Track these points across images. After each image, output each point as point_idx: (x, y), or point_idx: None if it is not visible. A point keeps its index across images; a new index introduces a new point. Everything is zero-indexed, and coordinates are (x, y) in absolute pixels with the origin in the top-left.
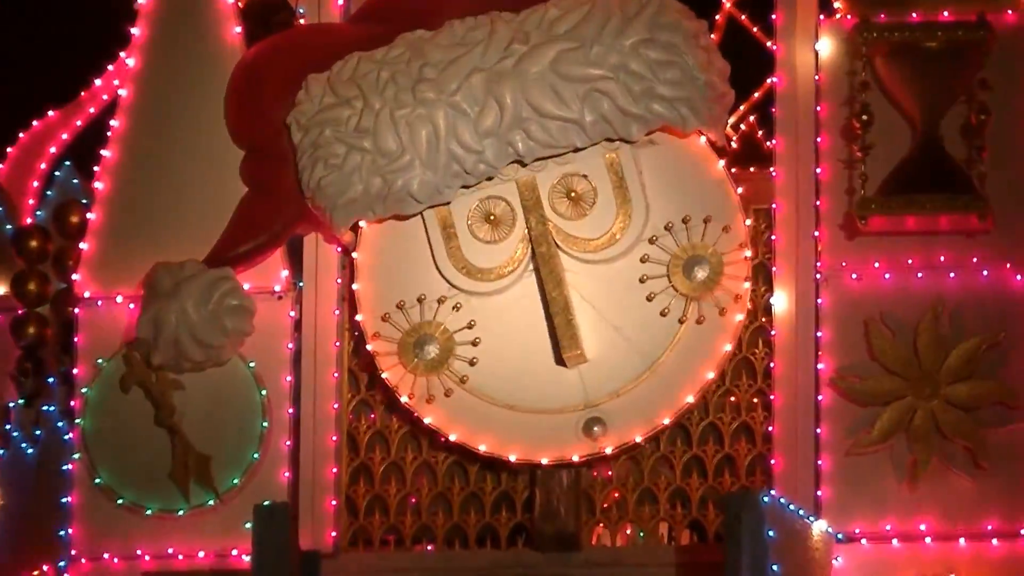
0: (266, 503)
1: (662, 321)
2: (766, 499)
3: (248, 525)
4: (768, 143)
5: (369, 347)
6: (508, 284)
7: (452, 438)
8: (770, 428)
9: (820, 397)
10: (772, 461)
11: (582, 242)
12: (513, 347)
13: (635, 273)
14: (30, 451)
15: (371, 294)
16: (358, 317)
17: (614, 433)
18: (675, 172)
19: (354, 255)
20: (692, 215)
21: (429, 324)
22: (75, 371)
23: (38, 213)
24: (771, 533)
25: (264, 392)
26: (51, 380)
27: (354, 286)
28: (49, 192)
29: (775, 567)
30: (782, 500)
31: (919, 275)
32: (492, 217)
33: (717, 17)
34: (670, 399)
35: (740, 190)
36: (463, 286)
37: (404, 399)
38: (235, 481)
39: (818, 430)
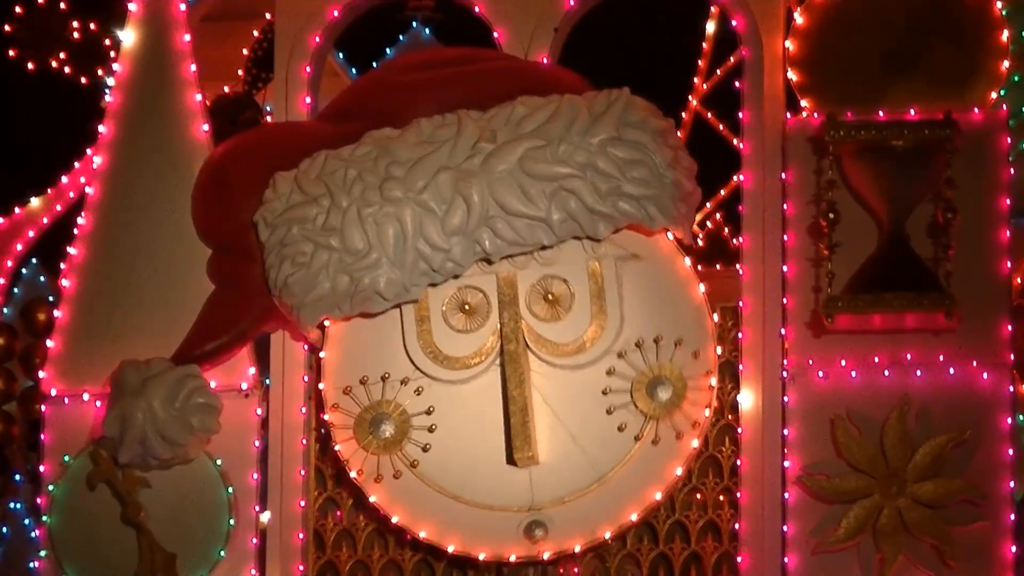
0: None
1: (618, 436)
2: None
3: None
4: (735, 241)
5: (326, 417)
6: (473, 375)
7: (394, 520)
8: (736, 526)
9: (787, 495)
10: (739, 559)
11: (552, 345)
12: (468, 439)
13: (599, 384)
14: None
15: (336, 364)
16: (320, 385)
17: (554, 539)
18: (656, 290)
19: (321, 354)
20: (664, 335)
21: (388, 403)
22: (41, 468)
23: (4, 311)
24: None
25: (231, 490)
26: (17, 478)
27: (321, 353)
28: (16, 290)
29: None
30: None
31: (886, 373)
32: (467, 307)
33: (684, 115)
34: (614, 514)
35: (716, 317)
36: (428, 371)
37: (353, 474)
38: None
39: (785, 528)
